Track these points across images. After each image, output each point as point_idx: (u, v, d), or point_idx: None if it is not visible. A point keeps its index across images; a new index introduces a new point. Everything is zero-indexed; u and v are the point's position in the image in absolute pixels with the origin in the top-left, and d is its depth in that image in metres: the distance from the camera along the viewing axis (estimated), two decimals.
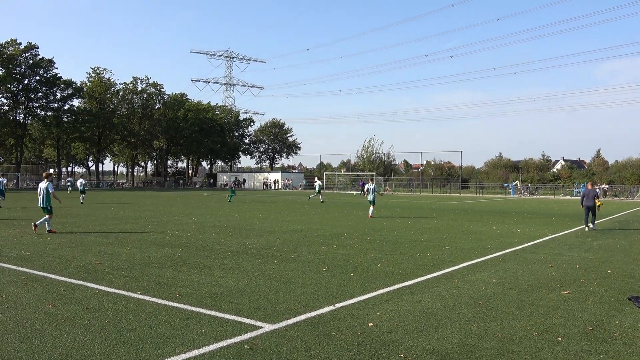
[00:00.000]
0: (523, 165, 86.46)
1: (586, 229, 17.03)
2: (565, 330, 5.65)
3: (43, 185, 14.29)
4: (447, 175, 76.73)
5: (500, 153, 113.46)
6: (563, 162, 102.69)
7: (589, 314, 6.34)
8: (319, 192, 35.01)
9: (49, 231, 13.92)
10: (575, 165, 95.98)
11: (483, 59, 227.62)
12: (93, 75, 75.91)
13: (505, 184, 65.51)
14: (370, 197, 22.01)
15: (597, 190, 18.13)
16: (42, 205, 14.18)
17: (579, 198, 19.49)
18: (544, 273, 9.03)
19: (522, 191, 58.81)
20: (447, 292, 7.39)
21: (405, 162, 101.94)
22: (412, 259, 10.37)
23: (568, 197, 54.57)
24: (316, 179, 40.03)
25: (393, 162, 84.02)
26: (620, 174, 68.53)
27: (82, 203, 29.04)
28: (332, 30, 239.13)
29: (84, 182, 33.53)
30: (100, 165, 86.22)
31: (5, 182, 28.28)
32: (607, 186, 54.74)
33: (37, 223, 14.05)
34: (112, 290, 7.22)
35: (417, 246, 12.28)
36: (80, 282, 7.73)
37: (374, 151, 79.23)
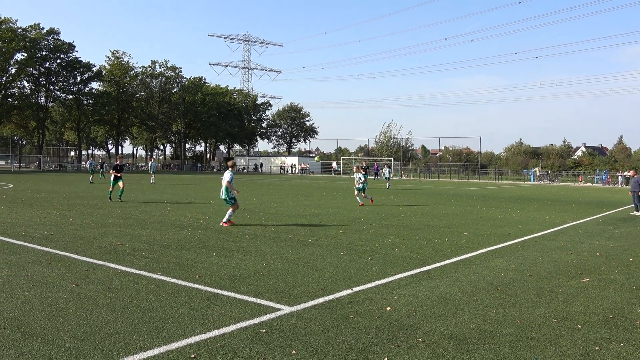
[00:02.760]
0: (543, 152, 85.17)
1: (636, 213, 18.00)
2: (585, 317, 5.60)
3: (227, 175, 12.74)
4: (466, 161, 75.98)
5: (520, 139, 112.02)
6: (584, 149, 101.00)
7: (610, 302, 6.27)
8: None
9: (227, 221, 12.53)
10: (596, 152, 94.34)
11: (504, 43, 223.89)
12: (112, 58, 76.51)
13: (524, 170, 64.73)
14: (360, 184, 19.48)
15: (637, 177, 18.22)
16: (222, 197, 12.75)
17: (602, 185, 19.97)
18: (563, 260, 8.94)
19: (542, 178, 58.06)
20: (465, 278, 7.37)
21: (423, 147, 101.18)
22: (430, 244, 10.35)
23: (589, 184, 53.77)
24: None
25: (411, 148, 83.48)
26: None
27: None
28: (351, 14, 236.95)
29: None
30: (119, 148, 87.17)
31: (96, 164, 31.76)
32: (629, 173, 53.70)
33: (225, 220, 12.58)
34: (134, 270, 7.35)
35: (434, 232, 12.24)
36: (102, 262, 7.87)
37: (392, 136, 78.83)
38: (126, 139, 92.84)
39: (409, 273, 7.61)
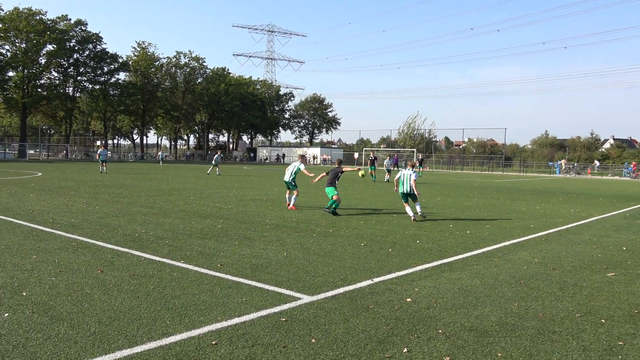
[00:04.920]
0: (570, 144, 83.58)
1: None
2: (610, 312, 5.51)
3: (297, 164, 14.67)
4: (490, 153, 75.00)
5: (546, 131, 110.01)
6: (612, 141, 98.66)
7: (636, 297, 6.16)
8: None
9: (291, 207, 14.19)
10: (625, 144, 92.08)
11: (532, 33, 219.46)
12: (138, 49, 77.34)
13: (550, 163, 63.62)
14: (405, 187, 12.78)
15: None
16: (287, 180, 14.46)
17: (630, 178, 19.43)
18: (588, 254, 8.79)
19: (569, 170, 56.98)
20: (487, 271, 7.30)
21: (447, 138, 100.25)
22: (452, 236, 10.28)
23: (617, 177, 52.56)
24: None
25: (434, 139, 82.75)
26: None
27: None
28: (375, 3, 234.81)
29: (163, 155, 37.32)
30: (144, 138, 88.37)
31: (108, 153, 33.10)
32: None
33: (291, 204, 14.30)
34: (157, 258, 7.47)
35: (457, 223, 12.14)
36: (126, 249, 8.02)
37: (416, 127, 78.25)
38: (151, 129, 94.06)
39: (430, 265, 7.58)
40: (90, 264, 7.03)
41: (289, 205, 14.43)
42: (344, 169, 14.31)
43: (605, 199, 21.37)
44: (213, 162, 34.45)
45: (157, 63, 78.75)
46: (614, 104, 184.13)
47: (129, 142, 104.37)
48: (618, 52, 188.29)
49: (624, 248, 9.50)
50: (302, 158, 15.47)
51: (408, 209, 12.71)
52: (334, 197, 13.15)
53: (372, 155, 33.61)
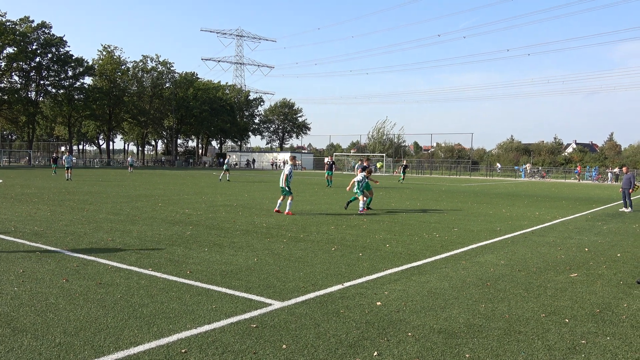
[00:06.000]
0: (535, 148, 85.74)
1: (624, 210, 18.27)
2: (573, 312, 5.67)
3: (286, 167, 14.57)
4: (458, 158, 76.33)
5: (512, 136, 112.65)
6: (575, 146, 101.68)
7: (597, 296, 6.35)
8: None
9: (287, 212, 14.09)
10: (587, 148, 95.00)
11: (496, 40, 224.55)
12: (104, 52, 75.96)
13: (516, 167, 65.13)
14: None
15: (629, 174, 18.61)
16: (281, 186, 14.47)
17: (592, 182, 20.17)
18: (552, 256, 9.03)
19: (533, 174, 58.44)
20: (455, 273, 7.43)
21: (416, 143, 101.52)
22: (421, 240, 10.41)
23: (580, 180, 54.14)
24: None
25: (403, 144, 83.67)
26: (633, 158, 67.77)
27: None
28: (344, 9, 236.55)
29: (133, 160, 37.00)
30: (110, 143, 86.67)
31: (73, 159, 32.30)
32: (618, 170, 54.21)
33: (287, 209, 14.14)
34: (124, 266, 7.34)
35: (425, 227, 12.31)
36: (92, 258, 7.85)
37: (386, 132, 78.97)
38: (117, 134, 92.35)
39: (400, 268, 7.66)
40: (55, 273, 6.85)
41: (276, 210, 14.43)
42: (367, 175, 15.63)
43: (569, 202, 21.99)
44: (225, 166, 34.09)
45: (123, 67, 77.49)
46: (576, 110, 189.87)
47: (95, 148, 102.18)
48: (579, 59, 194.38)
49: (586, 249, 9.79)
50: (293, 160, 15.14)
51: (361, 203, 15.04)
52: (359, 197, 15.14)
53: (329, 160, 32.96)
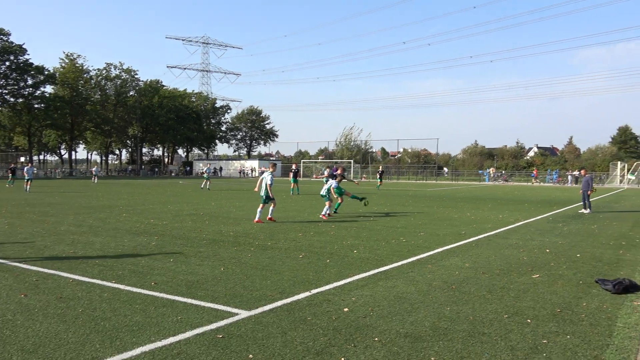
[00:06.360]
0: (498, 153, 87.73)
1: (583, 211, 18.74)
2: (535, 312, 5.81)
3: (266, 175, 14.35)
4: (424, 163, 77.42)
5: (476, 140, 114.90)
6: (536, 149, 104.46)
7: (558, 296, 6.52)
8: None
9: (269, 218, 14.32)
10: (548, 152, 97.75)
11: (461, 47, 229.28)
12: (66, 61, 74.16)
13: (480, 171, 66.47)
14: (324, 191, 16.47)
15: (587, 176, 19.23)
16: (262, 195, 14.34)
17: (553, 184, 20.79)
18: (515, 257, 9.24)
19: (497, 178, 59.75)
20: (422, 277, 7.51)
21: (383, 149, 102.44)
22: (388, 245, 10.50)
23: (541, 183, 55.62)
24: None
25: (370, 150, 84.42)
26: (591, 160, 70.07)
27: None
28: (311, 17, 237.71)
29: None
30: (73, 153, 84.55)
31: (34, 170, 31.77)
32: (577, 172, 55.95)
33: (269, 215, 14.35)
34: (86, 279, 7.15)
35: (392, 232, 12.42)
36: (53, 271, 7.63)
37: (353, 139, 79.50)
38: (80, 144, 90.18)
39: (367, 274, 7.70)
40: (13, 288, 6.62)
41: (257, 220, 13.89)
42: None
43: (531, 204, 22.55)
44: (205, 175, 33.59)
45: (86, 75, 75.80)
46: (537, 115, 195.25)
47: (57, 158, 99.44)
48: (540, 66, 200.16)
49: (548, 250, 10.05)
50: (273, 167, 14.68)
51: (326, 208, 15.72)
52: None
53: (294, 168, 32.40)
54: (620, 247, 10.56)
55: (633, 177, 51.30)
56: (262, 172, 14.96)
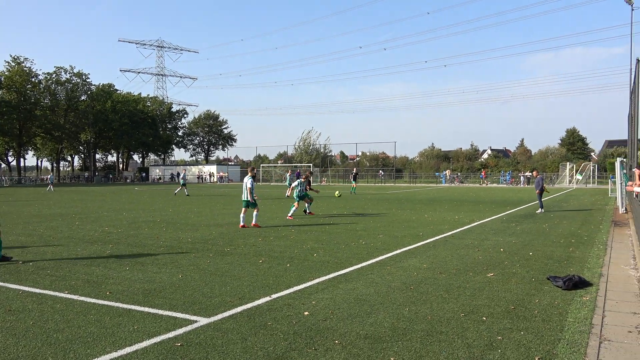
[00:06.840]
0: (453, 155, 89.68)
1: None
2: (490, 310, 5.97)
3: (247, 180, 14.35)
4: (382, 166, 78.34)
5: (432, 143, 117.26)
6: (490, 152, 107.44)
7: (512, 294, 6.73)
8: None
9: (254, 224, 14.24)
10: (501, 154, 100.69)
11: (415, 52, 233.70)
12: (12, 64, 71.30)
13: (437, 174, 67.81)
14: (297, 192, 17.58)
15: (539, 177, 19.96)
16: (244, 199, 14.41)
17: (506, 185, 21.43)
18: (471, 257, 9.47)
19: (452, 180, 61.10)
20: (381, 279, 7.60)
21: (342, 153, 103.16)
22: (348, 248, 10.57)
23: (495, 184, 57.25)
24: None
25: (329, 154, 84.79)
26: (542, 162, 72.56)
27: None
28: (267, 21, 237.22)
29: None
30: (22, 160, 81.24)
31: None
32: (529, 174, 57.87)
33: (253, 221, 14.29)
34: (37, 290, 6.89)
35: (352, 235, 12.51)
36: (1, 283, 7.31)
37: (312, 142, 79.65)
38: (29, 150, 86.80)
39: (327, 277, 7.73)
40: None
41: (242, 225, 14.11)
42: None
43: (485, 205, 23.16)
44: (182, 181, 32.78)
45: (34, 79, 73.09)
46: (490, 118, 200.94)
47: (4, 165, 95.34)
48: (492, 70, 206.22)
49: (502, 250, 10.35)
50: (252, 171, 14.73)
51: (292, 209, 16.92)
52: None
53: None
54: (570, 245, 10.98)
55: (580, 177, 53.45)
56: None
